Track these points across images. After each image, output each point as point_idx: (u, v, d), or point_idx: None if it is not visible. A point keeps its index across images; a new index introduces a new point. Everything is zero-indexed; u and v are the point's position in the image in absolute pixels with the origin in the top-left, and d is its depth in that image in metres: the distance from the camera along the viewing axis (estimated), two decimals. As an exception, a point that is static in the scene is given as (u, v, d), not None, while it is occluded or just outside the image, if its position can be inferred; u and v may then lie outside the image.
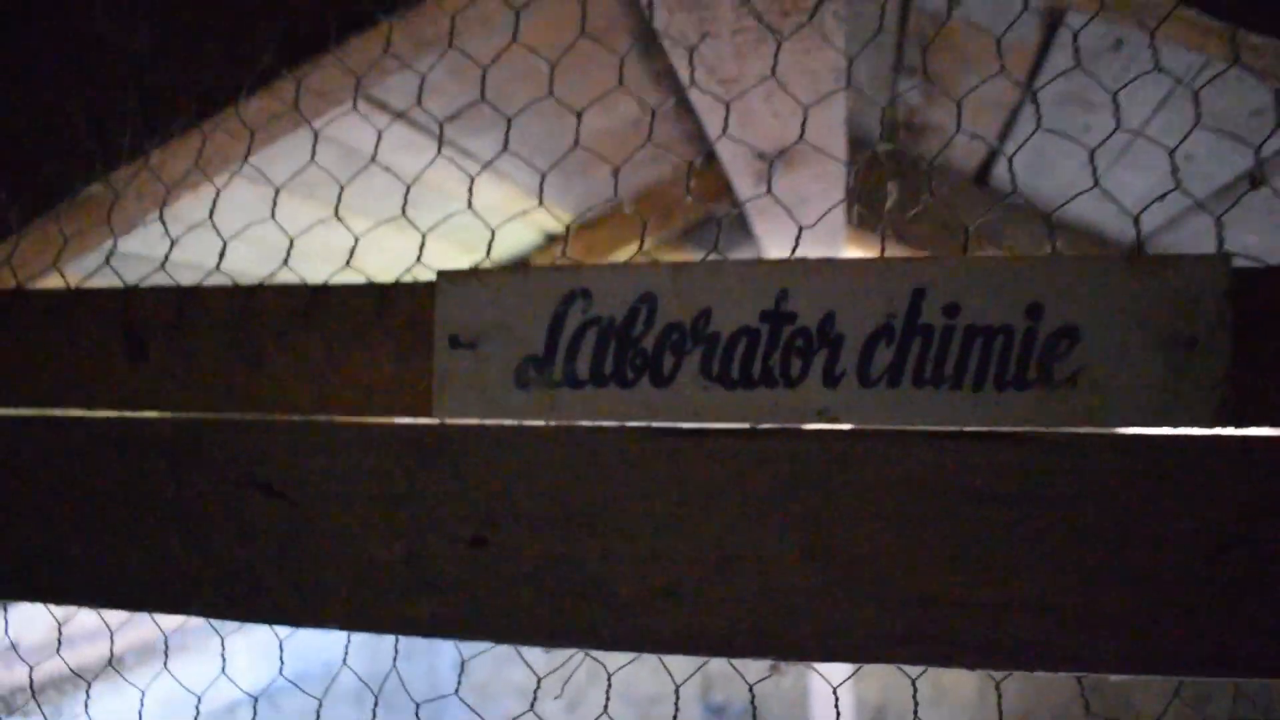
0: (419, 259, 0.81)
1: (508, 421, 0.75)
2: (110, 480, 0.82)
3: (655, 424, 0.72)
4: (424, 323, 0.78)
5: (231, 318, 0.82)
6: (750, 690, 0.87)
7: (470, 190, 0.82)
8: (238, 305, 0.82)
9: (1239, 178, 1.54)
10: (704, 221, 2.26)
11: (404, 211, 0.81)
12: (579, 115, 0.79)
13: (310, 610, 0.76)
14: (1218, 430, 0.67)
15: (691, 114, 1.96)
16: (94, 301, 0.86)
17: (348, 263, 0.82)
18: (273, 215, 0.84)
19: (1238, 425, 0.67)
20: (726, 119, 1.07)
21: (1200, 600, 0.65)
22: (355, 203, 1.91)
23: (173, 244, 0.88)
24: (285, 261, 0.84)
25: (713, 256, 0.74)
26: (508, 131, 0.79)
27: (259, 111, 0.95)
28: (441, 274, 0.77)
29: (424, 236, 0.81)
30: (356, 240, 0.82)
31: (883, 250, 0.78)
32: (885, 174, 1.95)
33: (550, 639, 0.72)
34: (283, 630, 0.83)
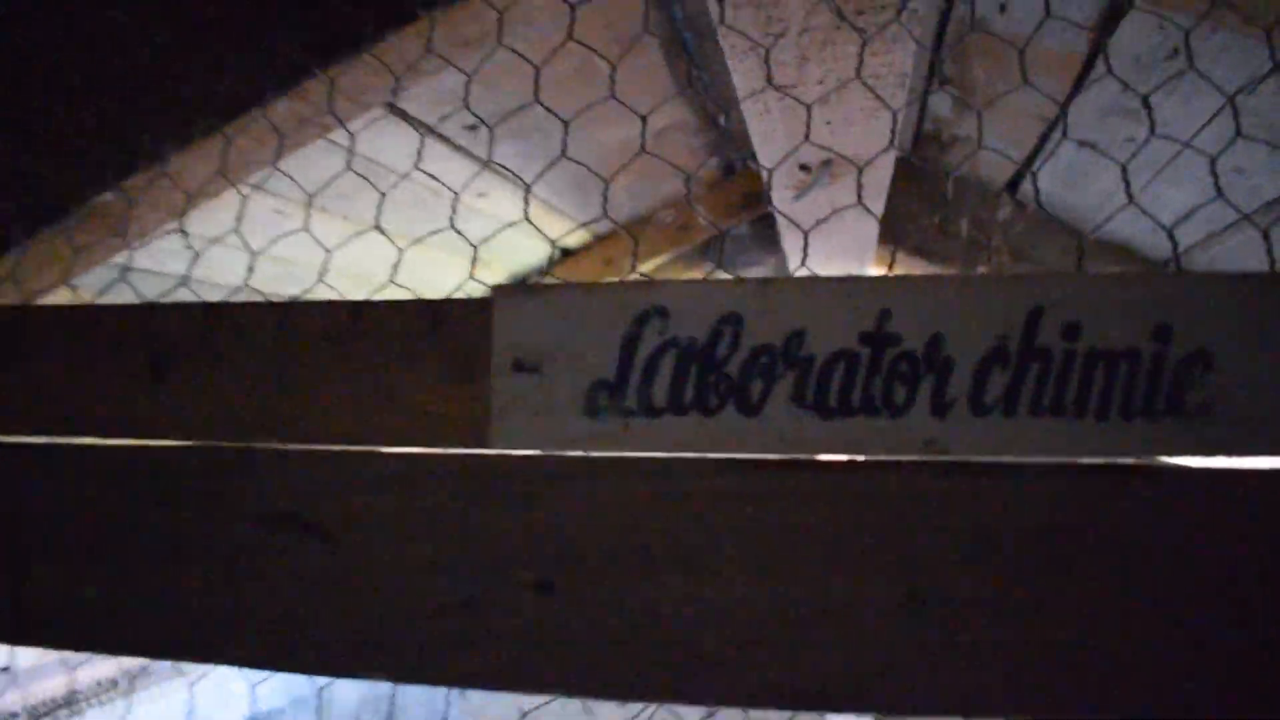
0: (473, 276, 0.74)
1: (575, 453, 0.68)
2: (130, 517, 0.74)
3: (741, 456, 0.66)
4: (477, 343, 0.71)
5: (264, 336, 0.75)
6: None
7: (454, 203, 0.75)
8: (272, 323, 0.75)
9: (1287, 191, 1.49)
10: (721, 236, 2.20)
11: (454, 225, 0.74)
12: (566, 129, 0.72)
13: (356, 660, 0.69)
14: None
15: (714, 125, 1.90)
16: (111, 318, 0.79)
17: (391, 279, 0.75)
18: (306, 227, 0.77)
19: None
20: (775, 127, 1.00)
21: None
22: (381, 219, 1.83)
23: (196, 256, 0.81)
24: (321, 278, 0.77)
25: (802, 271, 0.68)
26: (514, 154, 0.72)
27: (288, 114, 0.88)
28: (497, 289, 0.70)
29: (475, 251, 0.74)
30: (401, 252, 0.75)
31: (891, 266, 0.71)
32: (922, 189, 1.89)
33: (626, 693, 0.65)
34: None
